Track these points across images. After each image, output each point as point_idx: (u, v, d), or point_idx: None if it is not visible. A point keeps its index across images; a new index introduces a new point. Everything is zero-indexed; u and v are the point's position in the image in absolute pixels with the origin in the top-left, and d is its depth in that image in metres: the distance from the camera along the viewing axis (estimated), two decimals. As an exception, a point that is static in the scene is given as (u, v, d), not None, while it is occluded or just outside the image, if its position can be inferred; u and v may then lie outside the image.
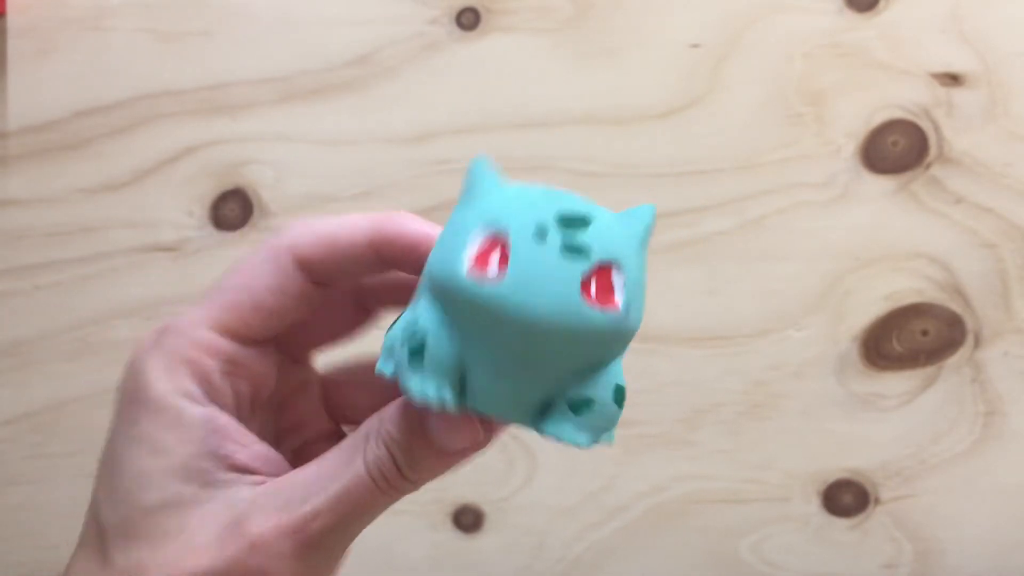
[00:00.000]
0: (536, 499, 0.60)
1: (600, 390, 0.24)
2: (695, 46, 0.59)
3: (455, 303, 0.23)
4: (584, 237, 0.23)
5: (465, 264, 0.23)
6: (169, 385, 0.26)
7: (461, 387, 0.24)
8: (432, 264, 0.24)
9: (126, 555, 0.25)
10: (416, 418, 0.25)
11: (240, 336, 0.27)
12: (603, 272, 0.23)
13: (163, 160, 0.60)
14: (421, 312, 0.24)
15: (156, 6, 0.60)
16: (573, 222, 0.23)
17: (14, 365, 0.61)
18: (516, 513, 0.61)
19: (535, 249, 0.23)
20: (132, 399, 0.26)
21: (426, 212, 0.63)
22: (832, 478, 0.61)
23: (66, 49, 0.60)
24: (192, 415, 0.26)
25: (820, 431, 0.60)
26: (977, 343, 0.59)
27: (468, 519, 0.61)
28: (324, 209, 0.60)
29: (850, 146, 0.59)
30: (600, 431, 0.25)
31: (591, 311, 0.23)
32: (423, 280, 0.25)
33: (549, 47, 0.60)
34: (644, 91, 0.60)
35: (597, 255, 0.23)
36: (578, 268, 0.23)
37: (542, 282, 0.22)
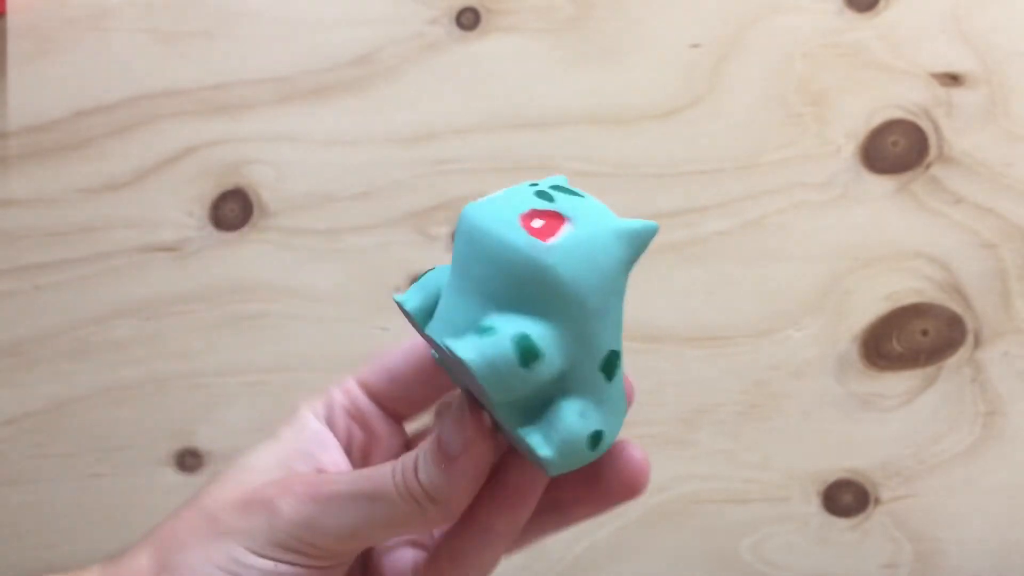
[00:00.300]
0: (536, 499, 0.60)
1: (506, 324, 0.24)
2: (695, 46, 0.59)
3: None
4: (559, 195, 0.25)
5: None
6: (307, 404, 0.31)
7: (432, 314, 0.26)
8: None
9: (200, 490, 0.29)
10: None
11: (370, 390, 0.31)
12: (555, 219, 0.25)
13: (163, 160, 0.60)
14: None
15: (156, 6, 0.60)
16: (562, 188, 0.26)
17: (14, 365, 0.61)
18: (516, 513, 0.60)
19: (519, 191, 0.25)
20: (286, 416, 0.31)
21: (426, 212, 0.64)
22: (832, 478, 0.61)
23: (66, 49, 0.60)
24: (310, 424, 0.30)
25: (820, 431, 0.60)
26: (977, 343, 0.59)
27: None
28: (324, 209, 0.60)
29: (850, 146, 0.59)
30: (491, 365, 0.24)
31: (517, 227, 0.24)
32: None
33: (549, 47, 0.60)
34: (644, 91, 0.60)
35: (559, 207, 0.25)
36: (533, 202, 0.25)
37: (502, 205, 0.25)
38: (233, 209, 0.61)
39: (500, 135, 0.60)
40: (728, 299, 0.60)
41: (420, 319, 0.27)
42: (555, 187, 0.26)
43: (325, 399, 0.31)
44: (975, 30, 0.58)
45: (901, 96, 0.59)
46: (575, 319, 0.25)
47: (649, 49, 0.60)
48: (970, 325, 0.59)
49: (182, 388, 0.61)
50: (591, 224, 0.25)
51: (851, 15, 0.59)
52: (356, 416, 0.30)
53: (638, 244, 0.26)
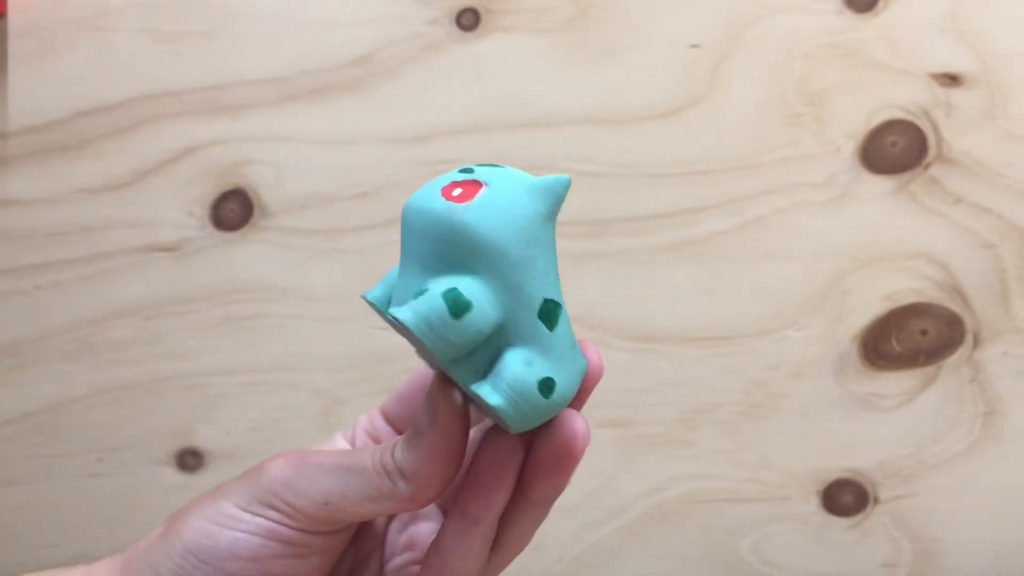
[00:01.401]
0: (536, 499, 0.60)
1: (436, 285, 0.27)
2: (695, 46, 0.59)
3: None
4: (480, 168, 0.28)
5: None
6: (340, 431, 0.34)
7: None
8: None
9: None
10: None
11: (386, 415, 0.34)
12: (473, 185, 0.27)
13: (163, 160, 0.60)
14: None
15: (156, 6, 0.60)
16: (487, 164, 0.28)
17: (14, 365, 0.61)
18: (516, 513, 0.61)
19: (449, 174, 0.28)
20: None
21: (426, 212, 0.63)
22: (831, 478, 0.61)
23: (66, 49, 0.60)
24: (337, 441, 0.34)
25: (819, 431, 0.60)
26: (976, 343, 0.60)
27: (468, 519, 0.61)
28: (324, 209, 0.60)
29: (849, 146, 0.59)
30: (425, 320, 0.26)
31: (438, 198, 0.27)
32: None
33: (549, 47, 0.60)
34: (644, 91, 0.60)
35: (477, 176, 0.27)
36: (454, 176, 0.27)
37: (429, 185, 0.27)
38: (233, 209, 0.61)
39: (500, 135, 0.60)
40: (727, 299, 0.60)
41: (382, 306, 0.29)
42: (481, 165, 0.28)
43: (356, 425, 0.34)
44: (974, 30, 0.58)
45: (900, 96, 0.59)
46: (500, 269, 0.27)
47: (649, 49, 0.60)
48: (969, 325, 0.60)
49: (182, 388, 0.61)
50: (504, 184, 0.27)
51: (850, 15, 0.59)
52: (373, 435, 0.33)
53: (551, 196, 0.28)
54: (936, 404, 0.60)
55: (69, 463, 0.62)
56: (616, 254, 0.60)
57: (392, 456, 0.28)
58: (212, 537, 0.28)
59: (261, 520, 0.29)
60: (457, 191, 0.27)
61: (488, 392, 0.27)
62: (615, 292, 0.60)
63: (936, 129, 0.59)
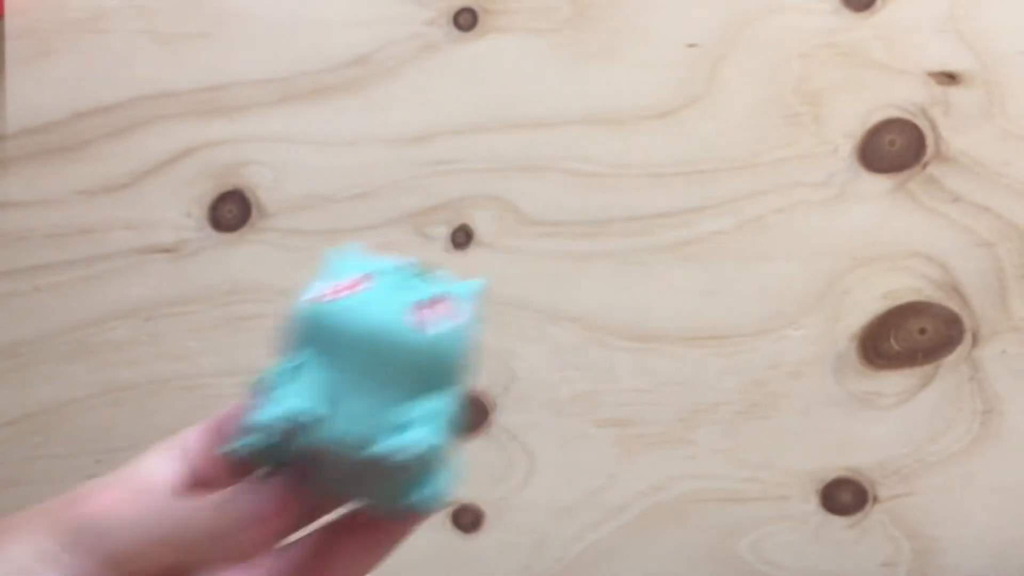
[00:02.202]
0: (535, 499, 0.61)
1: (429, 405, 0.26)
2: (693, 46, 0.59)
3: (301, 327, 0.27)
4: (433, 276, 0.27)
5: (315, 293, 0.27)
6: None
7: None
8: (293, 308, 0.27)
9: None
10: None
11: (196, 442, 0.33)
12: (440, 301, 0.26)
13: (162, 161, 0.60)
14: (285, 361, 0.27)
15: (155, 8, 0.60)
16: (425, 269, 0.27)
17: (14, 366, 0.61)
18: (515, 513, 0.61)
19: (389, 278, 0.26)
20: None
21: (425, 212, 0.63)
22: (830, 477, 0.61)
23: (65, 51, 0.60)
24: (148, 459, 0.34)
25: (818, 430, 0.61)
26: (975, 342, 0.60)
27: (467, 519, 0.61)
28: (322, 210, 0.60)
29: (848, 145, 0.59)
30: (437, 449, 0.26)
31: (404, 326, 0.25)
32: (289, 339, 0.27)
33: (547, 47, 0.60)
34: (642, 91, 0.60)
35: (437, 289, 0.26)
36: (415, 295, 0.26)
37: (377, 301, 0.25)
38: (231, 210, 0.61)
39: (498, 135, 0.60)
40: (726, 299, 0.60)
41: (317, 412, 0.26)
42: (417, 268, 0.27)
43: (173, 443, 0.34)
44: (972, 29, 0.58)
45: (898, 95, 0.59)
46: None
47: (646, 49, 0.60)
48: (968, 324, 0.60)
49: (180, 389, 0.61)
50: (462, 302, 0.27)
51: (848, 14, 0.59)
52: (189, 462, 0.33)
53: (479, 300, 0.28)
54: (935, 403, 0.60)
55: (69, 464, 0.62)
56: (615, 254, 0.60)
57: (222, 512, 0.29)
58: None
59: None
60: (424, 309, 0.26)
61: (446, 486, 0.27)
62: (615, 292, 0.60)
63: (934, 128, 0.59)
